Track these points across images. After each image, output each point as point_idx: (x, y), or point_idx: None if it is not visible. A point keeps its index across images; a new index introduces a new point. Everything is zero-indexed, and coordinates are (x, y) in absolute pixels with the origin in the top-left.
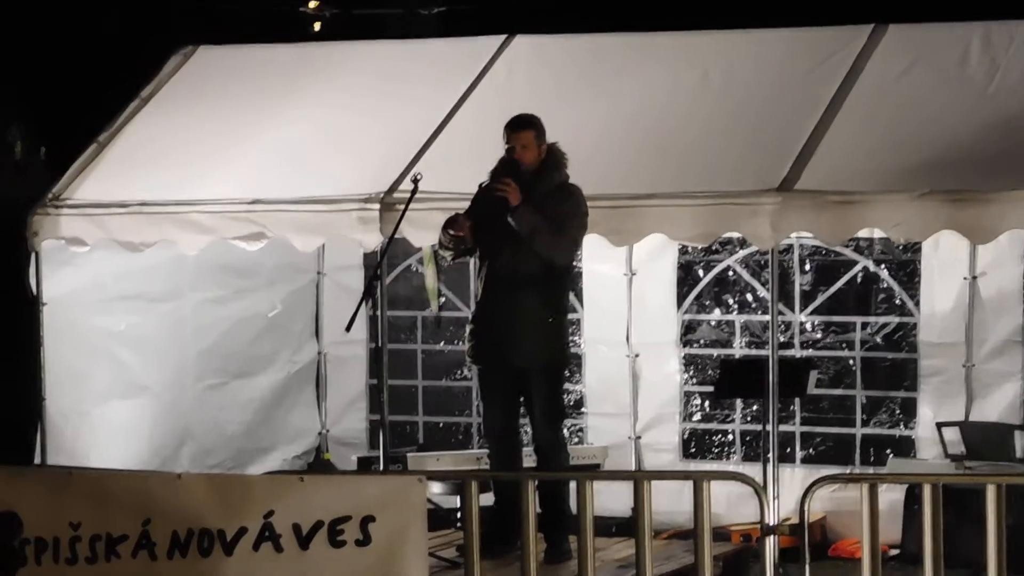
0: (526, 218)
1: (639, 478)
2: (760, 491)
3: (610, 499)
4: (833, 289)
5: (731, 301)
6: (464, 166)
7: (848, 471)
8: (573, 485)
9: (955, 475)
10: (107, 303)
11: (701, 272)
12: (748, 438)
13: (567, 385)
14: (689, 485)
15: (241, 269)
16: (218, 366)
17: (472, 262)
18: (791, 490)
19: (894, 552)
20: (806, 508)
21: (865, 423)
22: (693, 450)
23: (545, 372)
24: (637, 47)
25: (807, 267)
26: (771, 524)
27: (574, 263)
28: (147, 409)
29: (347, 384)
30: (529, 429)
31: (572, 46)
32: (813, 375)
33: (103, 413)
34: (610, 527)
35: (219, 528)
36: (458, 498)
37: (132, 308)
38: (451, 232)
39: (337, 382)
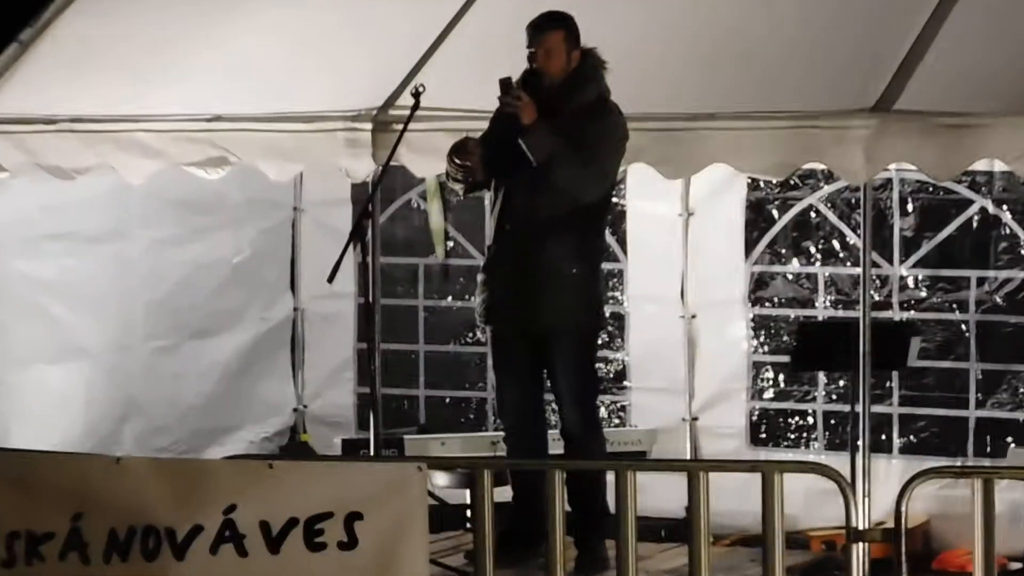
0: (540, 141)
1: (693, 469)
2: (846, 487)
3: (659, 495)
4: (942, 236)
5: (813, 249)
6: (479, 76)
7: (958, 464)
8: (611, 477)
9: None
10: (32, 243)
11: (776, 213)
12: (833, 421)
13: (604, 353)
14: (757, 479)
15: (200, 203)
16: (171, 323)
17: (487, 197)
18: (886, 487)
19: (1015, 566)
20: (903, 509)
21: (980, 404)
22: (763, 435)
23: (572, 337)
24: None
25: (909, 208)
26: (860, 528)
27: (610, 199)
28: (82, 375)
29: (330, 349)
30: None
31: None
32: (916, 343)
33: (26, 380)
34: (658, 530)
35: (168, 526)
36: (468, 492)
37: (64, 250)
38: (457, 160)
39: (318, 346)
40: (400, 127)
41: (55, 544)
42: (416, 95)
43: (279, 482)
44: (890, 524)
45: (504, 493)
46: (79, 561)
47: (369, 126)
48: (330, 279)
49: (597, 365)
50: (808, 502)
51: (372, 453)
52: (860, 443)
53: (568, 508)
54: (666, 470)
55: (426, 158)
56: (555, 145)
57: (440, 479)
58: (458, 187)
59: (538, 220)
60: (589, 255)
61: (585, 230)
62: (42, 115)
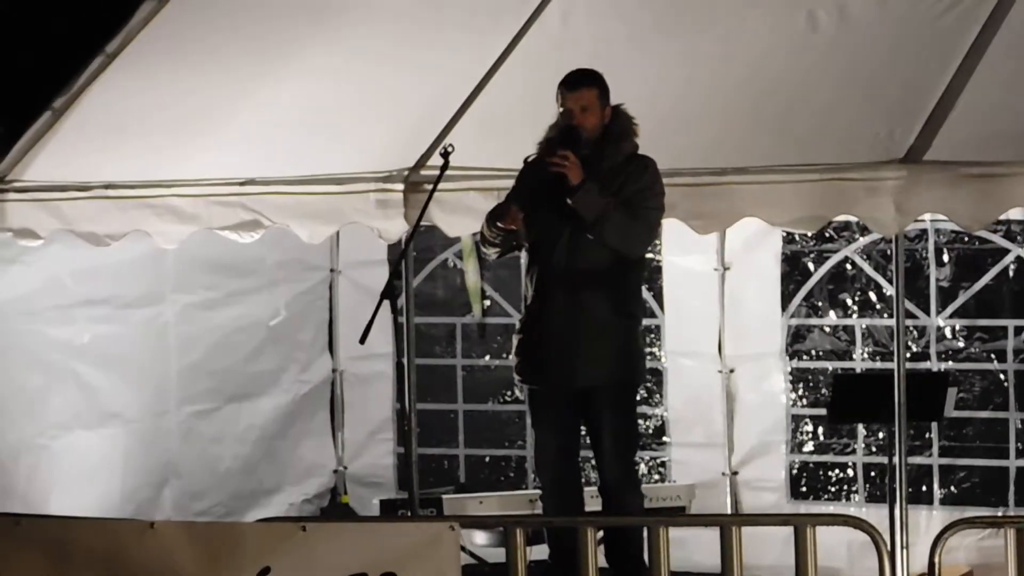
0: (592, 200)
1: (726, 524)
2: (879, 538)
3: (699, 550)
4: (978, 286)
5: (850, 302)
6: (508, 135)
7: (999, 514)
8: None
9: None
10: (67, 310)
11: (812, 266)
12: (873, 474)
13: (643, 408)
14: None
15: (235, 266)
16: (208, 387)
17: (523, 256)
18: (927, 538)
19: None
20: (937, 560)
21: (1021, 453)
22: (804, 489)
23: (614, 392)
24: None
25: (945, 258)
26: None
27: (647, 255)
28: (119, 441)
29: (369, 409)
30: (593, 463)
31: None
32: (953, 393)
33: (65, 447)
34: None
35: None
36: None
37: (98, 316)
38: (500, 225)
39: (357, 407)
40: (431, 187)
41: None
42: (445, 155)
43: (312, 544)
44: None
45: (543, 551)
46: None
47: (400, 187)
48: (362, 340)
49: (637, 421)
50: (851, 555)
51: (410, 513)
52: (898, 494)
53: (604, 564)
54: (698, 524)
55: (458, 217)
56: (606, 204)
57: (480, 538)
58: (493, 251)
59: (580, 277)
60: (631, 309)
61: (625, 285)
62: (75, 182)
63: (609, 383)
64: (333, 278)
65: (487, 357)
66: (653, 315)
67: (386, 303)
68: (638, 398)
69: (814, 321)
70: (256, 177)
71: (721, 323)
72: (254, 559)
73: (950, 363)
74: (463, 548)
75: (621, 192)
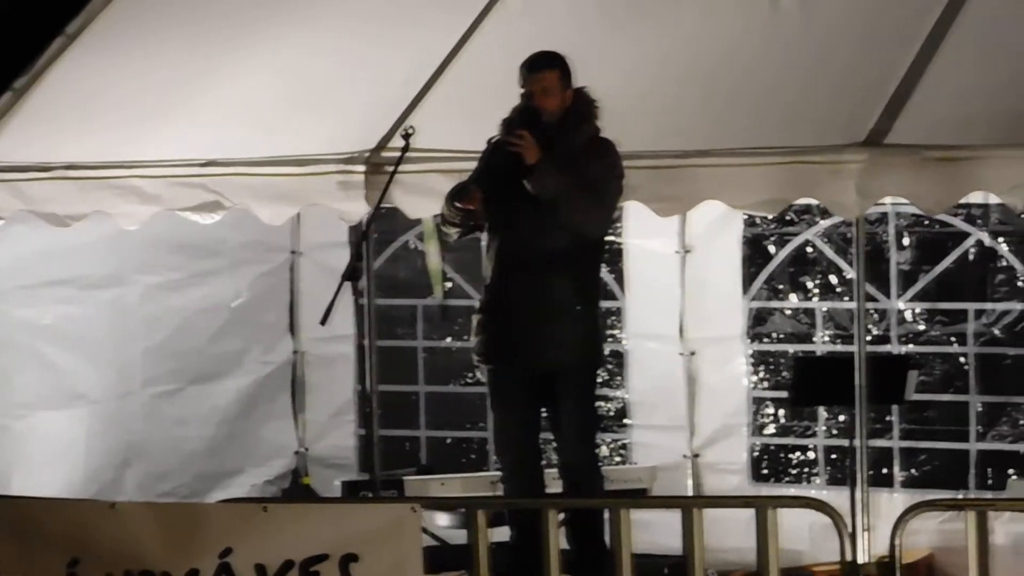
0: (547, 179)
1: (687, 505)
2: (838, 520)
3: (661, 533)
4: (939, 269)
5: (811, 285)
6: (470, 117)
7: (959, 496)
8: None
9: None
10: (30, 291)
11: (773, 249)
12: (834, 456)
13: (604, 391)
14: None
15: (197, 247)
16: (171, 368)
17: (484, 237)
18: (888, 521)
19: None
20: (898, 543)
21: (981, 436)
22: (765, 471)
23: (574, 374)
24: None
25: (906, 242)
26: (857, 563)
27: (606, 236)
28: (83, 422)
29: (331, 391)
30: (555, 445)
31: None
32: (914, 376)
33: (28, 427)
34: (661, 567)
35: (164, 570)
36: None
37: (62, 297)
38: (459, 205)
39: (319, 388)
40: (392, 169)
41: None
42: (406, 137)
43: (274, 525)
44: None
45: (505, 533)
46: None
47: (362, 168)
48: (323, 321)
49: (598, 403)
50: (813, 537)
51: (372, 495)
52: (859, 477)
53: (567, 546)
54: (660, 507)
55: (420, 199)
56: (561, 183)
57: (442, 520)
58: (454, 231)
59: (540, 258)
60: (590, 292)
61: (585, 267)
62: (37, 162)
63: (570, 365)
64: (295, 260)
65: (448, 339)
66: (615, 297)
67: (348, 285)
68: (599, 380)
69: (775, 304)
70: (218, 158)
71: (683, 306)
72: (216, 540)
73: (911, 346)
74: (425, 530)
75: (580, 173)
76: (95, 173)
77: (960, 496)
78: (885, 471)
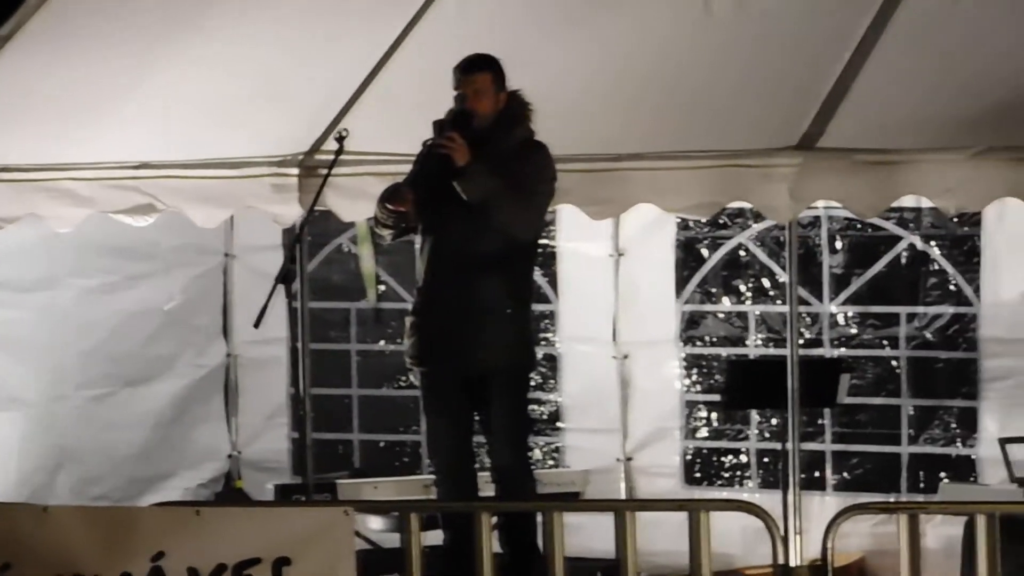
0: (476, 181)
1: (620, 508)
2: (772, 524)
3: (595, 536)
4: (871, 273)
5: (743, 288)
6: (404, 119)
7: (893, 499)
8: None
9: (1017, 503)
10: None
11: (706, 252)
12: (766, 459)
13: (537, 394)
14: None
15: (130, 250)
16: (104, 371)
17: (417, 240)
18: (821, 524)
19: None
20: (830, 546)
21: (913, 440)
22: (698, 474)
23: (507, 377)
24: None
25: (838, 245)
26: (789, 566)
27: (539, 239)
28: (15, 425)
29: (264, 394)
30: (487, 448)
31: None
32: (846, 380)
33: None
34: (594, 571)
35: (96, 574)
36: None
37: None
38: (390, 207)
39: (252, 391)
40: (326, 171)
41: None
42: (340, 140)
43: (207, 528)
44: None
45: (438, 536)
46: None
47: (295, 171)
48: (256, 324)
49: (530, 407)
50: (746, 540)
51: (305, 498)
52: (791, 480)
53: (500, 550)
54: (593, 510)
55: (354, 202)
56: (490, 185)
57: (375, 523)
58: (387, 233)
59: (472, 261)
60: (522, 294)
61: (517, 270)
62: None
63: (502, 368)
64: (228, 262)
65: (382, 342)
66: (548, 301)
67: (281, 288)
68: (532, 383)
69: (708, 307)
70: (151, 161)
71: (616, 309)
72: (149, 543)
73: (843, 350)
74: (358, 533)
75: (512, 176)
76: (27, 176)
77: (892, 499)
78: (817, 474)
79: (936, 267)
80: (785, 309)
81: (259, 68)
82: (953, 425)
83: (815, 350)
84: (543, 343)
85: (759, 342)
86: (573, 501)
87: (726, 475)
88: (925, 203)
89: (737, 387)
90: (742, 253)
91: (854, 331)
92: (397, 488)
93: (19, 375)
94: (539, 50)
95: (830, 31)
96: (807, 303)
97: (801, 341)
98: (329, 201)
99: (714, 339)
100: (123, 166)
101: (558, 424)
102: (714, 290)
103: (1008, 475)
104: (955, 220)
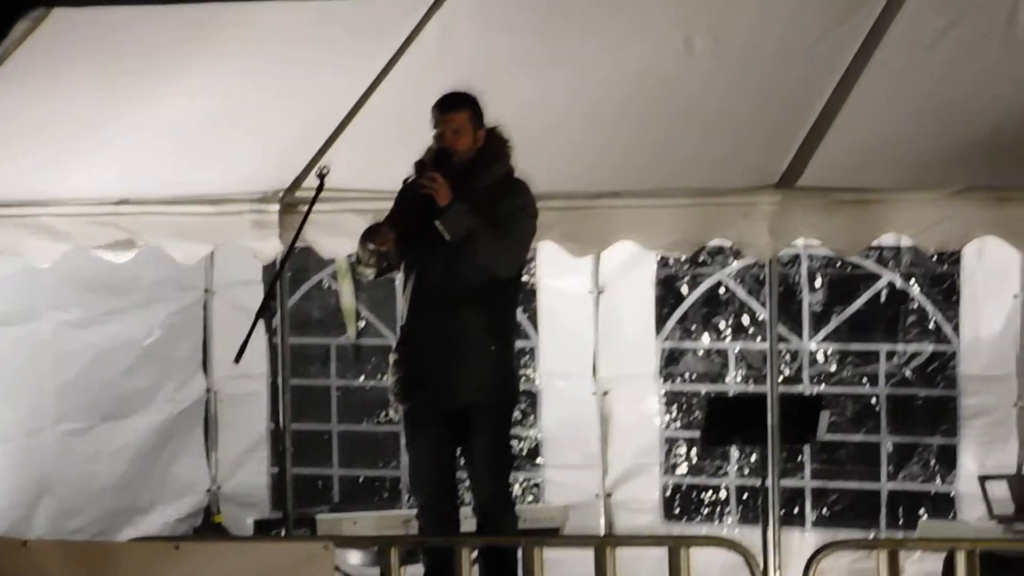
0: (458, 220)
1: (599, 544)
2: (750, 559)
3: (575, 571)
4: (851, 310)
5: (723, 325)
6: (386, 156)
7: (872, 535)
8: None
9: (995, 540)
10: None
11: (686, 289)
12: (746, 496)
13: (517, 429)
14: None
15: (110, 285)
16: (83, 405)
17: (398, 277)
18: (800, 560)
19: None
20: None
21: (892, 476)
22: (677, 510)
23: (488, 412)
24: (605, 4)
25: (818, 283)
26: None
27: (521, 275)
28: None
29: (243, 429)
30: (468, 484)
31: (523, 2)
32: (825, 416)
33: None
34: None
35: None
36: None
37: None
38: (371, 246)
39: (231, 426)
40: (306, 208)
41: None
42: (321, 177)
43: (186, 563)
44: None
45: (419, 571)
46: None
47: (276, 207)
48: (237, 359)
49: (511, 442)
50: None
51: (284, 533)
52: (771, 516)
53: None
54: (574, 546)
55: (334, 238)
56: (472, 224)
57: (354, 558)
58: (369, 272)
59: (454, 297)
60: (504, 331)
61: (499, 306)
62: None
63: (483, 403)
64: (208, 298)
65: (362, 378)
66: (527, 337)
67: (261, 323)
68: (512, 419)
69: (688, 344)
70: (130, 197)
71: (596, 345)
72: None
73: (822, 386)
74: (337, 568)
75: (492, 213)
76: (7, 211)
77: (871, 535)
78: (797, 510)
79: (915, 305)
80: (765, 346)
81: (240, 104)
82: (932, 462)
83: (795, 387)
84: (522, 379)
85: (738, 379)
86: (553, 537)
87: (705, 511)
88: (904, 241)
89: (716, 423)
90: (722, 290)
91: (833, 368)
92: (377, 523)
93: None
94: (519, 87)
95: (811, 71)
96: (786, 340)
97: (781, 378)
98: (310, 237)
99: (693, 376)
100: (103, 202)
101: (537, 460)
102: (694, 327)
103: (987, 511)
104: (934, 258)
